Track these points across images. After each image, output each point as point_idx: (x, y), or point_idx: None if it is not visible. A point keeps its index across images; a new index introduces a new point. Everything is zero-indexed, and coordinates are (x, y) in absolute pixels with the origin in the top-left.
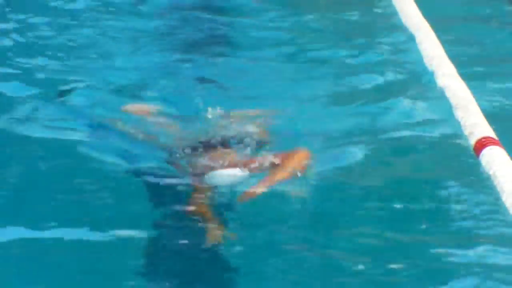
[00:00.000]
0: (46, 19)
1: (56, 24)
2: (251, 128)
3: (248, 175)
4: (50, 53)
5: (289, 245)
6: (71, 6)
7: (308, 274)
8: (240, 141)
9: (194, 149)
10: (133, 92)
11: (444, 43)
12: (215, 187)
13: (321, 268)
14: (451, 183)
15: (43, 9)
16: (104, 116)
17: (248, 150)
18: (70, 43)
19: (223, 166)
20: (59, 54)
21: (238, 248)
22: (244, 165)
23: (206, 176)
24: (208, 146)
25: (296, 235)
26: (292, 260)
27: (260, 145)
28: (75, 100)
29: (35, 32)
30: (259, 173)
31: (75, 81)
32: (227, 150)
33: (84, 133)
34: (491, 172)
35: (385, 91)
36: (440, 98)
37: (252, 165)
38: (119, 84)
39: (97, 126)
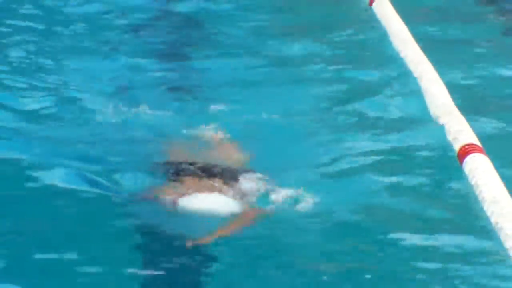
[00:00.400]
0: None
1: (33, 34)
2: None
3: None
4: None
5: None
6: (49, 16)
7: None
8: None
9: (178, 173)
10: (115, 107)
11: (427, 50)
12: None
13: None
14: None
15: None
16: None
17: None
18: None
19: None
20: (35, 64)
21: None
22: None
23: (188, 197)
24: (193, 173)
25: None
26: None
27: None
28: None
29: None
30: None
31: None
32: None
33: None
34: (473, 181)
35: (369, 98)
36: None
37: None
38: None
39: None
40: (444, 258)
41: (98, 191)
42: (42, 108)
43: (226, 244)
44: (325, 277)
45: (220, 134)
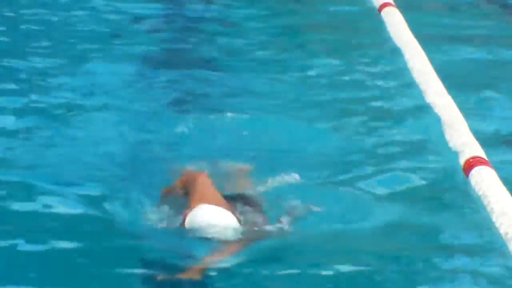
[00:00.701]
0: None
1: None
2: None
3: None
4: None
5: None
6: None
7: None
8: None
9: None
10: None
11: (433, 60)
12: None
13: None
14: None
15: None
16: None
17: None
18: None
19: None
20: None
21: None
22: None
23: (193, 213)
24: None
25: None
26: None
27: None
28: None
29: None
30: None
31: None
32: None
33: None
34: (480, 193)
35: (375, 113)
36: (430, 117)
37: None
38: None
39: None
40: (449, 266)
41: (101, 213)
42: (45, 127)
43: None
44: None
45: (229, 161)
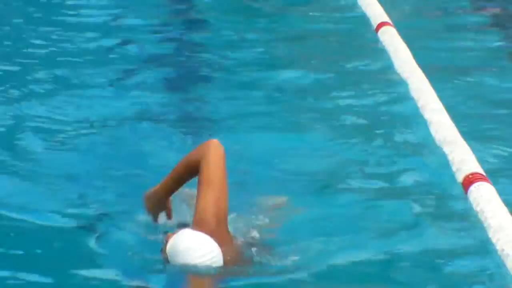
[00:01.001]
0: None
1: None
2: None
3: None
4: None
5: None
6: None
7: None
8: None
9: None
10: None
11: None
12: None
13: None
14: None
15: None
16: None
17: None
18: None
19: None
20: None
21: None
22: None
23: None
24: None
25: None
26: None
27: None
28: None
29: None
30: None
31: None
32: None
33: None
34: (478, 209)
35: (371, 127)
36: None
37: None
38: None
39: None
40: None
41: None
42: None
43: None
44: None
45: None
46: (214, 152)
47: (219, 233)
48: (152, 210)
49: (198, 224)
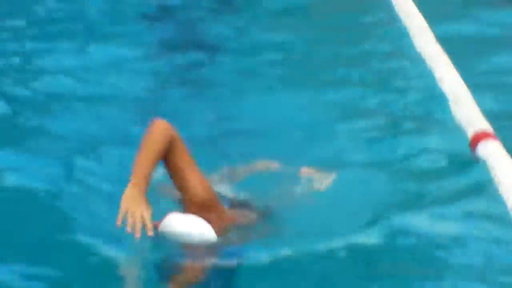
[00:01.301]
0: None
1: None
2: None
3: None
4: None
5: None
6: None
7: None
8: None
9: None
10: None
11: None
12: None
13: None
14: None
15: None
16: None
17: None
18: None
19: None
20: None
21: None
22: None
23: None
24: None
25: None
26: None
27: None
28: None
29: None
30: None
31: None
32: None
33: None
34: (488, 165)
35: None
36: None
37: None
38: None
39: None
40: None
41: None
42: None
43: None
44: None
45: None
46: (157, 129)
47: (210, 202)
48: (140, 208)
49: (192, 200)
